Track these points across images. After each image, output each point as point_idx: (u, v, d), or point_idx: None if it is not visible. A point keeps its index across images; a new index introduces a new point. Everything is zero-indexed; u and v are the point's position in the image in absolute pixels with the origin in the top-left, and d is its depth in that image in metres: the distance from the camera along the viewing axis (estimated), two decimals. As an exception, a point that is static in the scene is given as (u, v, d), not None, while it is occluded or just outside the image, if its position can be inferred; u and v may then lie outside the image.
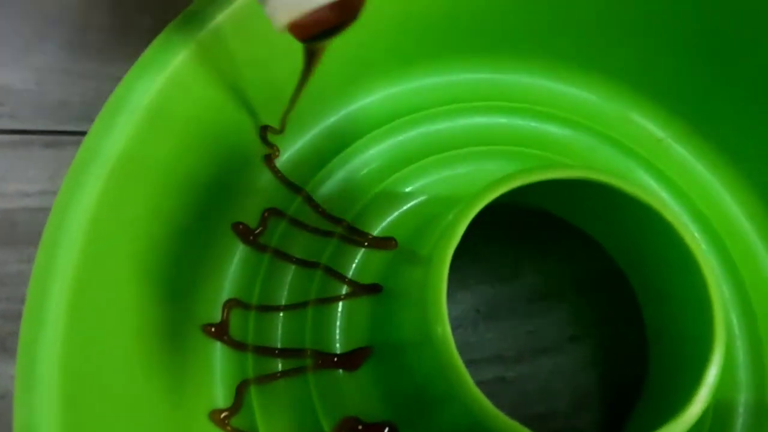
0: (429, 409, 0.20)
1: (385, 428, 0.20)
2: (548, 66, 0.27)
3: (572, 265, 0.25)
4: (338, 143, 0.25)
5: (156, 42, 0.19)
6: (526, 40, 0.26)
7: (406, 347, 0.20)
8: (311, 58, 0.19)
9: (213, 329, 0.22)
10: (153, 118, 0.19)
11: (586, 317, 0.25)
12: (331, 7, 0.15)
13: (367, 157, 0.25)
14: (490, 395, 0.17)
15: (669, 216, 0.18)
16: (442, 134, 0.26)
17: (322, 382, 0.21)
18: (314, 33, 0.16)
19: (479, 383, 0.16)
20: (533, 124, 0.26)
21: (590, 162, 0.26)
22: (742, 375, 0.23)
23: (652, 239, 0.20)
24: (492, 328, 0.24)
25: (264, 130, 0.23)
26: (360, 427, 0.20)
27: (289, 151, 0.25)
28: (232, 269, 0.23)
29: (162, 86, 0.19)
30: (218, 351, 0.22)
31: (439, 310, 0.17)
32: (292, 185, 0.24)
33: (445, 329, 0.17)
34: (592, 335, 0.25)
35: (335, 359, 0.21)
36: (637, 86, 0.27)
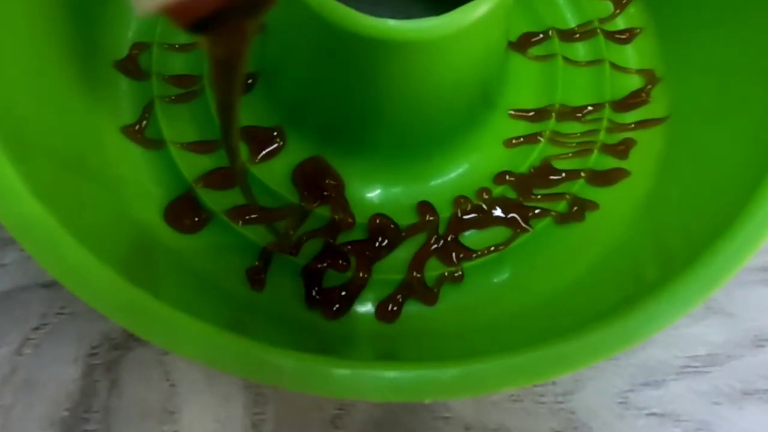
0: (303, 103, 0.25)
1: (275, 131, 0.25)
2: None
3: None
4: None
5: None
6: None
7: (282, 56, 0.24)
8: (225, 73, 0.12)
9: (121, 63, 0.25)
10: None
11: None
12: None
13: None
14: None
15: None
16: None
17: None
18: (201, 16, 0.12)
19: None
20: None
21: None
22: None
23: None
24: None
25: None
26: (256, 132, 0.25)
27: None
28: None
29: None
30: (124, 81, 0.26)
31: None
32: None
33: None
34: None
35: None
36: None
